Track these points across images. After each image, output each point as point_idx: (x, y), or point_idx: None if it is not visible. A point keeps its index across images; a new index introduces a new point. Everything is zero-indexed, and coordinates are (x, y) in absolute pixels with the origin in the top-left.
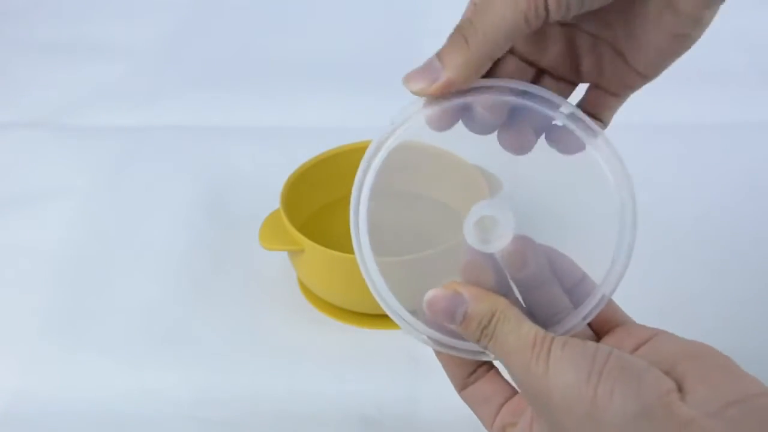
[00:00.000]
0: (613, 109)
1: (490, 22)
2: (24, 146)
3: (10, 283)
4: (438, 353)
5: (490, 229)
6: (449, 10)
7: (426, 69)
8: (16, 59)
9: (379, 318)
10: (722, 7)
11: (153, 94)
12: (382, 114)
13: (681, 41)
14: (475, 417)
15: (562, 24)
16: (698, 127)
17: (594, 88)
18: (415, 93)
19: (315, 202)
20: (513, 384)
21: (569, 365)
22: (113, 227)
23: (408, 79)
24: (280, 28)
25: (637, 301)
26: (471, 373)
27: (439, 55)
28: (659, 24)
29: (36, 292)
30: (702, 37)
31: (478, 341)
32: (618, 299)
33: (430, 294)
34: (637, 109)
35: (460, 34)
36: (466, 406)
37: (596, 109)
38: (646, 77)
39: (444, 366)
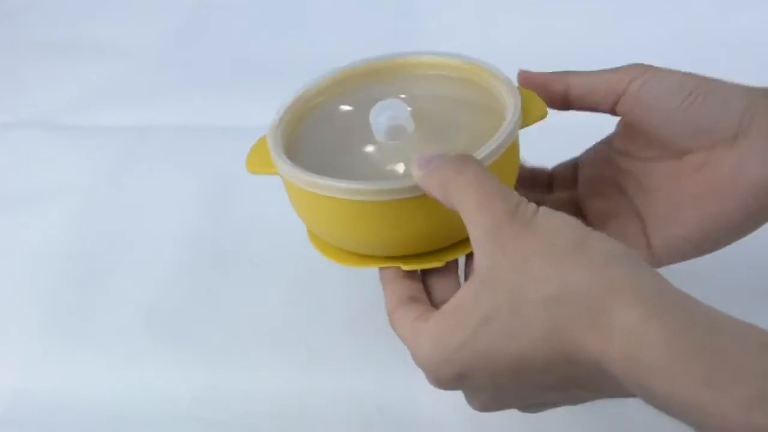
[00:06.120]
0: None
1: None
2: (24, 146)
3: (10, 283)
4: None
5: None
6: (449, 10)
7: None
8: (16, 59)
9: (374, 258)
10: (722, 7)
11: (153, 94)
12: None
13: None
14: (474, 416)
15: None
16: None
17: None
18: None
19: (319, 135)
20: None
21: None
22: (113, 227)
23: None
24: (280, 28)
25: None
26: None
27: None
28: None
29: (36, 292)
30: (702, 37)
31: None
32: None
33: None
34: None
35: None
36: (466, 404)
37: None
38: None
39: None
